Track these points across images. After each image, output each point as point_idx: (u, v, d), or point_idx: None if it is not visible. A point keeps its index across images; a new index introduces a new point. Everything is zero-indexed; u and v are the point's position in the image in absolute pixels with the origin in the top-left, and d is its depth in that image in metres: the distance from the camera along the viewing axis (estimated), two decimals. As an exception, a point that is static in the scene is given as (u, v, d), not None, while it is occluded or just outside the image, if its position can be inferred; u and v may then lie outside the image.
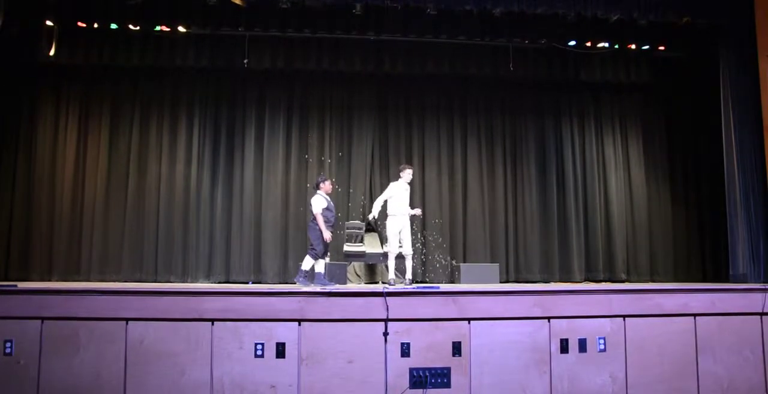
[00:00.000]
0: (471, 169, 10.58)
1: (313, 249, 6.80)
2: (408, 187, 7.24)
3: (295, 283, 7.00)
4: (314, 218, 6.81)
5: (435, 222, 10.28)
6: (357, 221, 9.70)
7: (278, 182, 9.97)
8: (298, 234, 9.65)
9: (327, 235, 6.76)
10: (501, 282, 9.53)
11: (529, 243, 10.43)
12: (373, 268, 9.76)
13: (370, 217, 7.36)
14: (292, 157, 10.11)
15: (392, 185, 7.36)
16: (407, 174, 7.25)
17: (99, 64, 9.25)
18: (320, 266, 6.97)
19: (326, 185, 6.95)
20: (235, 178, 9.95)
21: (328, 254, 7.10)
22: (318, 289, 5.35)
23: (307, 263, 6.82)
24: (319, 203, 6.82)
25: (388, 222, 7.19)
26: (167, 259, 9.52)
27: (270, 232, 9.76)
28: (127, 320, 5.00)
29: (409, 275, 7.28)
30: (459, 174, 10.53)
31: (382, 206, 7.19)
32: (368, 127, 10.31)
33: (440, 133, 10.56)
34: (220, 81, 10.01)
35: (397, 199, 7.23)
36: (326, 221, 6.86)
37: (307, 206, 7.37)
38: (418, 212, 7.22)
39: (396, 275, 7.81)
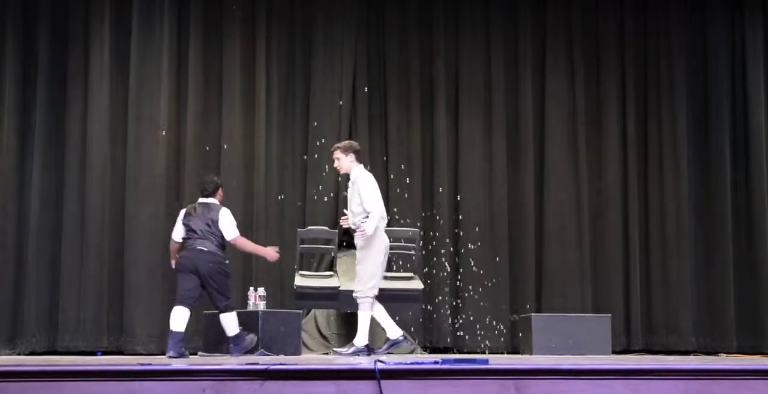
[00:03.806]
0: (551, 121, 10.84)
1: (227, 299, 8.03)
2: (352, 183, 8.01)
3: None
4: (234, 243, 8.14)
5: (476, 231, 10.46)
6: (322, 228, 9.75)
7: (160, 141, 10.01)
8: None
9: (270, 253, 8.26)
10: (615, 352, 9.64)
11: (675, 277, 10.61)
12: (353, 322, 9.55)
13: (352, 224, 8.04)
14: (190, 93, 10.21)
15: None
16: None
17: None
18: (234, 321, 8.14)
19: (220, 192, 8.28)
20: (70, 136, 10.02)
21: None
22: (247, 362, 5.52)
23: (232, 322, 8.02)
24: (232, 220, 8.11)
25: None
26: None
27: (143, 249, 9.87)
28: None
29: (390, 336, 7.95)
30: (528, 133, 10.76)
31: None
32: (347, 30, 10.52)
33: (491, 42, 10.78)
34: None
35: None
36: None
37: (203, 222, 7.99)
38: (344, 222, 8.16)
39: (405, 336, 8.20)
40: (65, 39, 10.08)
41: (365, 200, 7.77)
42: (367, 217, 7.72)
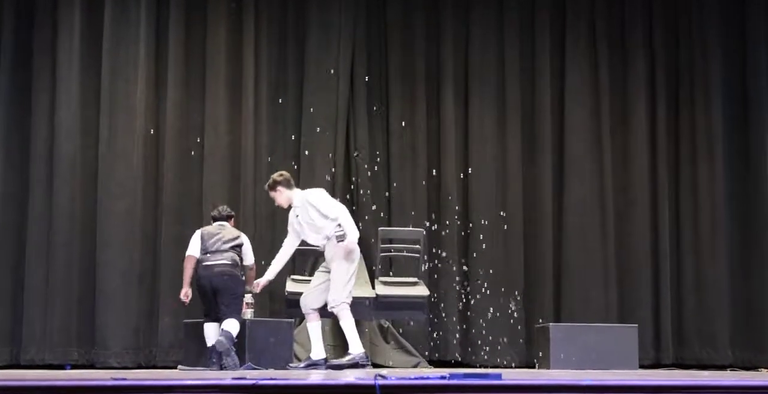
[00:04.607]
0: (571, 110, 10.75)
1: (234, 310, 8.30)
2: (300, 208, 8.23)
3: (222, 367, 7.99)
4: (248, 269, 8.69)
5: (488, 232, 10.42)
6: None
7: (135, 129, 9.97)
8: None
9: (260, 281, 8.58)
10: (642, 367, 9.53)
11: (709, 283, 10.60)
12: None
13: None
14: (170, 79, 10.18)
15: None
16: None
17: None
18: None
19: (232, 221, 8.81)
20: (36, 126, 10.03)
21: None
22: (233, 376, 5.65)
23: (234, 328, 8.16)
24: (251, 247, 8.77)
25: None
26: None
27: (118, 250, 9.87)
28: None
29: (314, 352, 8.14)
30: (546, 123, 10.75)
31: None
32: (344, 7, 10.52)
33: (505, 22, 10.77)
34: None
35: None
36: None
37: (224, 243, 8.37)
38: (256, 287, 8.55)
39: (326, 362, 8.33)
40: (31, 20, 10.05)
41: (327, 209, 7.98)
42: (339, 228, 7.92)
